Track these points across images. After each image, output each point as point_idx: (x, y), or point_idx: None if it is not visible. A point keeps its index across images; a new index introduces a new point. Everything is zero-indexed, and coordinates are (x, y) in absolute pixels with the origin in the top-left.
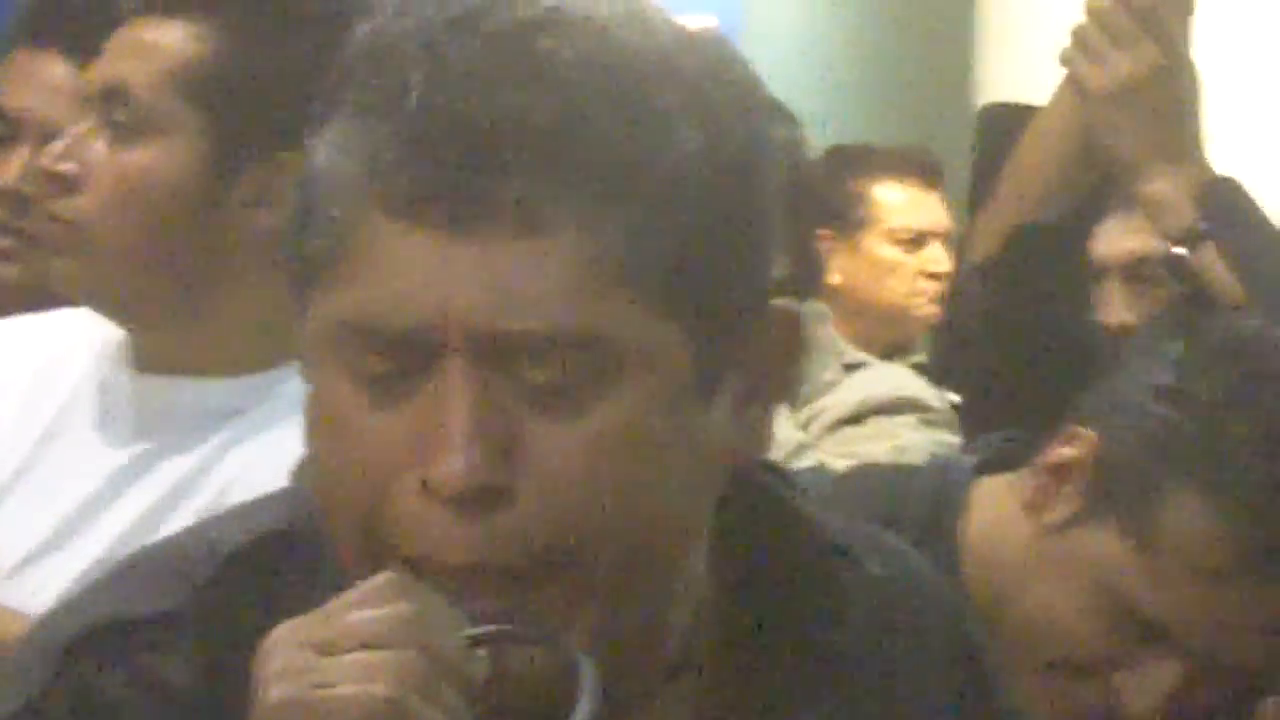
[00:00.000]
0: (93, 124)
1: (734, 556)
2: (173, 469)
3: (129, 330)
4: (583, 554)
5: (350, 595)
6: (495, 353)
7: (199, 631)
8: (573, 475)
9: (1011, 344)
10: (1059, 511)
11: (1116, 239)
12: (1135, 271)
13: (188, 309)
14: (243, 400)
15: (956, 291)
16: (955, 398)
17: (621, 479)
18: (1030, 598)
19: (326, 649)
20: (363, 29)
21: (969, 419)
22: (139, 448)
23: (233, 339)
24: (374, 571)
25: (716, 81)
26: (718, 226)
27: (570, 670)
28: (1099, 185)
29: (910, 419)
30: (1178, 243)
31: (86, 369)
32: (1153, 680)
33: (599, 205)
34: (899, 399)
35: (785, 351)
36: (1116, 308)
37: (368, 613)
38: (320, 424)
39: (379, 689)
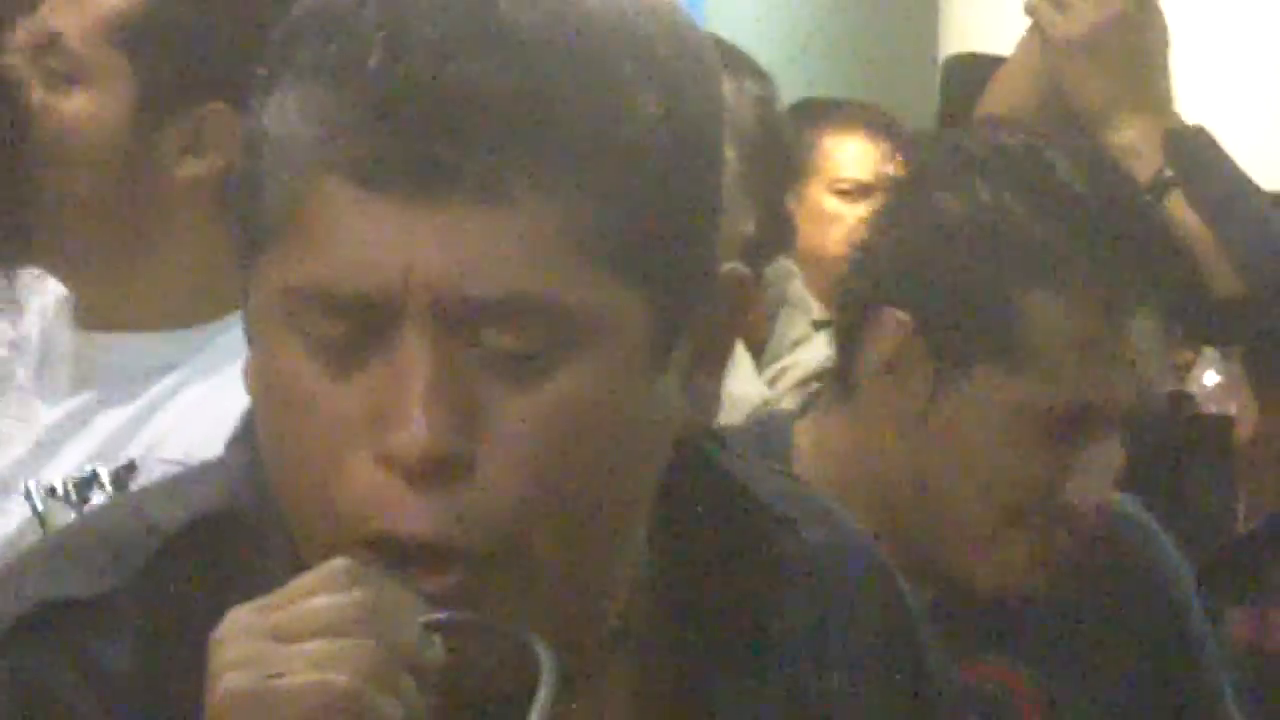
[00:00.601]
0: (28, 74)
1: (673, 525)
2: (107, 423)
3: (67, 283)
4: (540, 532)
5: (306, 580)
6: (455, 319)
7: (140, 615)
8: (533, 444)
9: None
10: (916, 396)
11: None
12: None
13: (122, 261)
14: (178, 354)
15: None
16: None
17: (581, 449)
18: (939, 489)
19: (282, 637)
20: None
21: None
22: (76, 402)
23: (168, 293)
24: (330, 549)
25: (674, 47)
26: (677, 192)
27: (527, 655)
28: (1065, 135)
29: None
30: (1146, 191)
31: (31, 326)
32: (1101, 463)
33: (560, 173)
34: None
35: (733, 316)
36: None
37: (323, 599)
38: (271, 394)
39: (335, 678)
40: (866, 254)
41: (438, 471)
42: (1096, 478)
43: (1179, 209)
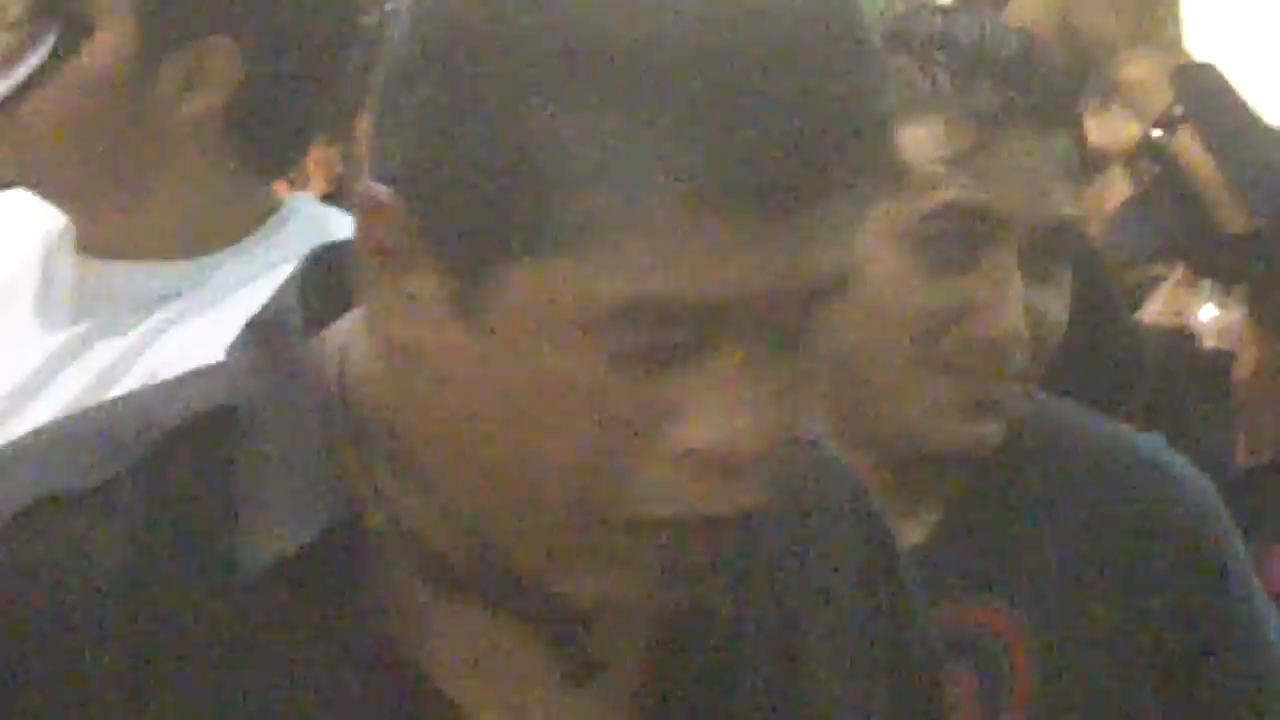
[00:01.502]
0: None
1: None
2: (106, 352)
3: (66, 212)
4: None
5: None
6: (783, 322)
7: (137, 507)
8: (800, 405)
9: None
10: None
11: (1113, 128)
12: (1135, 159)
13: (124, 193)
14: (179, 284)
15: None
16: None
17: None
18: (856, 347)
19: None
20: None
21: None
22: (75, 330)
23: (170, 223)
24: (586, 529)
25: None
26: None
27: None
28: (1075, 71)
29: None
30: (1156, 126)
31: (32, 252)
32: (1003, 287)
33: (871, 165)
34: None
35: None
36: (1118, 195)
37: None
38: (534, 388)
39: None
40: None
41: (755, 462)
42: (1002, 304)
43: (1188, 146)
